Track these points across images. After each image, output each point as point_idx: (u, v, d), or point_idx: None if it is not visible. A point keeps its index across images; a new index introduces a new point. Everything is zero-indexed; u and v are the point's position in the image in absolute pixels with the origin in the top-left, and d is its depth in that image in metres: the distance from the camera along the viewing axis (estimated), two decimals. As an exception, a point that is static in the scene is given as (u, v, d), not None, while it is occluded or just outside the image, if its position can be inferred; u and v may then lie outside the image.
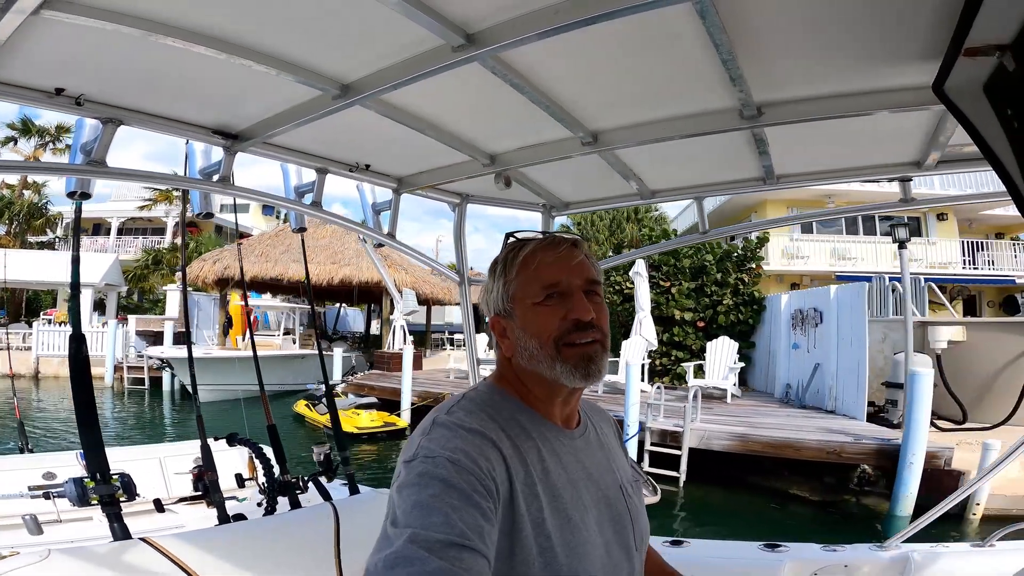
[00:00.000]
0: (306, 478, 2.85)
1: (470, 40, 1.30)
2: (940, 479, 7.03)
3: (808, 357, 11.53)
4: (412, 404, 12.21)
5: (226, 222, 31.08)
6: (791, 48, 1.32)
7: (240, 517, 2.61)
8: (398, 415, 11.92)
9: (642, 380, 11.94)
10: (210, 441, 2.91)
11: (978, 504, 6.76)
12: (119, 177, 1.69)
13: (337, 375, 15.06)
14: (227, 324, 19.17)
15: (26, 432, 4.89)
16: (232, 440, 2.92)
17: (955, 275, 21.47)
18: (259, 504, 2.91)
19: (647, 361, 13.36)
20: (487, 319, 1.10)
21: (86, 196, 1.79)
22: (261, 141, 1.88)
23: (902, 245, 9.67)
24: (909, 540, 2.18)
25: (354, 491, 2.92)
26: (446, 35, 1.28)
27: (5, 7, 1.12)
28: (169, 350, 16.68)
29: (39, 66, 1.42)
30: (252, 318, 17.97)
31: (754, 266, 15.41)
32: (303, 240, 3.78)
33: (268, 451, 2.96)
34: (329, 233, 20.11)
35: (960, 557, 2.09)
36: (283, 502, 2.83)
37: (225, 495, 2.77)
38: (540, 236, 1.07)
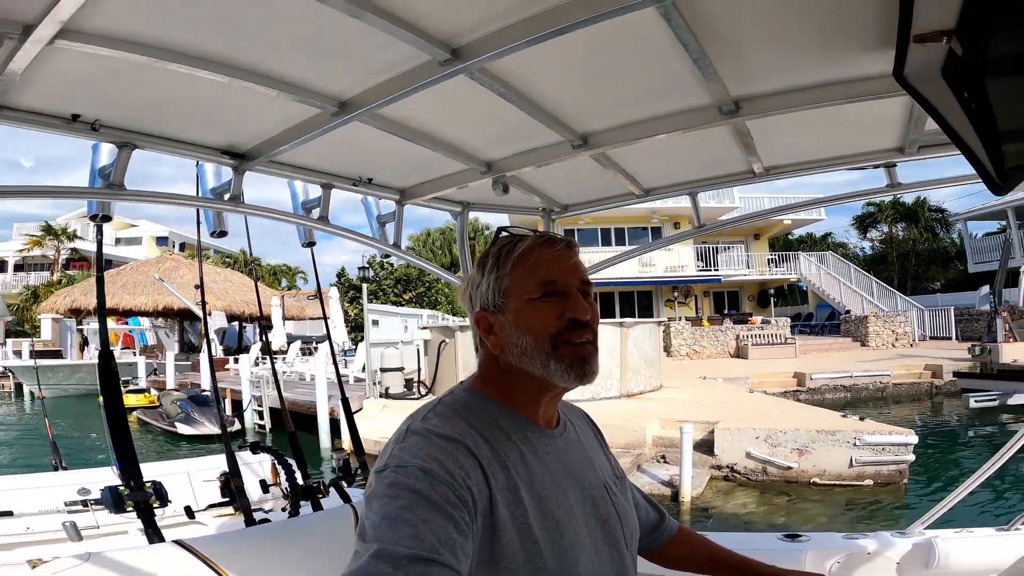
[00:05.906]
0: (327, 483, 2.94)
1: (455, 54, 1.38)
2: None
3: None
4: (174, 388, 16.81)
5: (114, 256, 37.11)
6: (757, 44, 1.38)
7: (266, 521, 2.69)
8: (156, 396, 16.40)
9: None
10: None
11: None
12: (137, 199, 1.78)
13: (142, 373, 19.76)
14: (83, 343, 26.54)
15: (59, 450, 5.03)
16: (256, 448, 3.02)
17: (687, 276, 26.55)
18: (283, 509, 2.99)
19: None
20: (471, 314, 1.05)
21: (107, 219, 1.87)
22: (267, 160, 1.94)
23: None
24: (931, 526, 2.15)
25: (373, 494, 2.99)
26: (432, 51, 1.36)
27: (22, 38, 1.18)
28: (11, 360, 23.11)
29: (56, 94, 1.49)
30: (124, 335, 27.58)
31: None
32: (312, 253, 3.85)
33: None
34: (160, 270, 23.67)
35: (985, 541, 2.05)
36: (306, 507, 2.91)
37: (252, 506, 2.86)
38: (534, 233, 1.05)
